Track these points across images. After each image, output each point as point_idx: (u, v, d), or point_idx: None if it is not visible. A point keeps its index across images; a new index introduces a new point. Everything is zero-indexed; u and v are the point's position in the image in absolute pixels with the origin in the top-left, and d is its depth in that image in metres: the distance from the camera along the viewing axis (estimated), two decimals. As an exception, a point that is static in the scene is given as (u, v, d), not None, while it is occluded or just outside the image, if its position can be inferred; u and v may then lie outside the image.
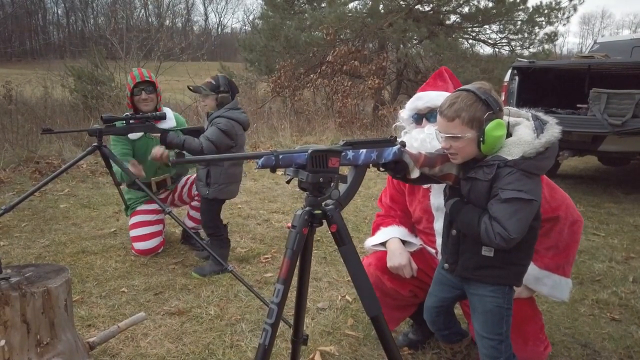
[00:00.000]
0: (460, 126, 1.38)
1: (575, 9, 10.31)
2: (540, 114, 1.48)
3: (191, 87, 2.97)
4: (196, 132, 2.81)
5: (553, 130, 1.40)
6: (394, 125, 2.01)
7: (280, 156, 1.21)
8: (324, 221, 1.33)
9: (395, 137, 1.43)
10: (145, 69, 3.05)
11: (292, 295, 1.45)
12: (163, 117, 2.80)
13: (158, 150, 2.73)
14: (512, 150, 1.38)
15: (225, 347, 2.13)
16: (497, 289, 1.50)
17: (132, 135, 2.90)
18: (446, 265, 1.61)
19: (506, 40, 11.14)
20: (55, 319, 1.64)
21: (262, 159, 1.19)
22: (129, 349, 2.10)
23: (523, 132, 1.42)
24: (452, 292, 1.66)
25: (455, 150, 1.41)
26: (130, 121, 2.75)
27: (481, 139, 1.36)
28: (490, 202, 1.39)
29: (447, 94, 1.57)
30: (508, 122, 1.43)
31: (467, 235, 1.48)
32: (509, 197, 1.35)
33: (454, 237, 1.55)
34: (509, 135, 1.44)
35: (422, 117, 1.84)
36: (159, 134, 2.70)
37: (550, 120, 1.45)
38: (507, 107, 1.53)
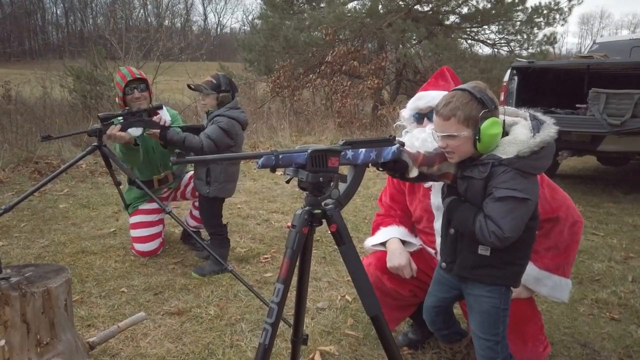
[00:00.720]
0: (456, 125, 1.39)
1: (570, 10, 10.33)
2: (539, 114, 1.49)
3: (192, 86, 2.97)
4: (196, 130, 2.81)
5: (549, 130, 1.41)
6: (395, 124, 2.01)
7: (280, 156, 1.21)
8: (324, 221, 1.33)
9: (394, 137, 1.44)
10: (134, 67, 3.01)
11: (292, 295, 1.45)
12: (160, 107, 2.77)
13: (113, 128, 2.64)
14: (507, 149, 1.39)
15: (225, 347, 2.13)
16: (494, 289, 1.50)
17: (133, 132, 2.89)
18: (444, 264, 1.61)
19: (505, 41, 11.15)
20: (55, 319, 1.64)
21: (262, 158, 1.19)
22: (128, 349, 2.10)
23: (519, 132, 1.42)
24: (451, 292, 1.67)
25: (452, 149, 1.42)
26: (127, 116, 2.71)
27: (477, 137, 1.37)
28: (485, 200, 1.40)
29: None
30: (504, 121, 1.44)
31: (465, 234, 1.49)
32: (502, 196, 1.35)
33: (452, 235, 1.55)
34: (506, 134, 1.44)
35: (424, 116, 1.84)
36: (158, 130, 2.68)
37: (548, 120, 1.45)
38: (504, 106, 1.53)
